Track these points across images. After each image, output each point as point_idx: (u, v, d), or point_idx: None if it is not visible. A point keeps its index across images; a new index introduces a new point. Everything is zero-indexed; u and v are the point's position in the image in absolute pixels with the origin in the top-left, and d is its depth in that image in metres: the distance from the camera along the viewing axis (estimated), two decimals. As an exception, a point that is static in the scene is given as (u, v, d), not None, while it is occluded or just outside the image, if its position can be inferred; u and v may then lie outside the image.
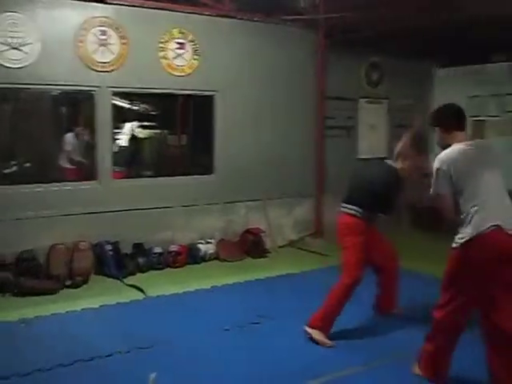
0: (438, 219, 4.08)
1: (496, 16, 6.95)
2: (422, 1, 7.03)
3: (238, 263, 7.49)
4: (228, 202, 7.87)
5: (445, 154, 3.78)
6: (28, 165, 7.40)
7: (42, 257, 6.46)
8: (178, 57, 7.37)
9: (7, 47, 6.26)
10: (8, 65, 6.29)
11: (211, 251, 7.51)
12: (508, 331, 3.54)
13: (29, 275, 6.13)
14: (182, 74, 7.42)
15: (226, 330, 5.04)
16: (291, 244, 8.50)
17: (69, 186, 6.86)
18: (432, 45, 8.84)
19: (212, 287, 6.31)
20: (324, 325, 4.80)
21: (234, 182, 7.87)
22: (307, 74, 8.50)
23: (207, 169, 7.83)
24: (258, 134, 8.08)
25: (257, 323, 5.21)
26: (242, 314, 5.45)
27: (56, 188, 6.74)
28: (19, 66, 6.35)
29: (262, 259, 7.72)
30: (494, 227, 3.52)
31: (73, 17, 6.65)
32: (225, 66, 7.75)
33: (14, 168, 7.02)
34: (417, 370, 4.08)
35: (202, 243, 7.49)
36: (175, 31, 7.33)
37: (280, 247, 8.29)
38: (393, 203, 4.98)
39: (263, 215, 8.19)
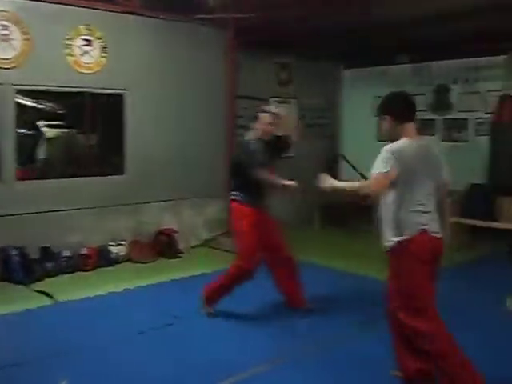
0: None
1: (399, 18, 7.24)
2: (329, 3, 7.19)
3: (151, 264, 7.38)
4: (140, 203, 7.74)
5: (398, 146, 3.60)
6: None
7: None
8: (85, 54, 7.16)
9: None
10: None
11: (123, 253, 7.37)
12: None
13: None
14: (90, 71, 7.22)
15: (141, 332, 4.94)
16: (204, 244, 8.48)
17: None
18: (339, 46, 9.08)
19: (125, 290, 6.19)
20: (213, 298, 5.31)
21: (146, 182, 7.75)
22: (217, 73, 8.49)
23: (118, 169, 7.66)
24: (168, 133, 8.00)
25: (171, 324, 5.16)
26: (156, 315, 5.38)
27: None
28: None
29: (175, 260, 7.65)
30: (422, 230, 3.56)
31: (-31, 10, 6.32)
32: (134, 64, 7.62)
33: None
34: None
35: (113, 245, 7.33)
36: (82, 28, 7.12)
37: (193, 247, 8.26)
38: (251, 173, 5.03)
39: (175, 215, 8.13)
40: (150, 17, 7.72)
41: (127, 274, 6.87)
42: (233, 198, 5.23)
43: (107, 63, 7.35)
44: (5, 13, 6.50)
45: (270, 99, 9.30)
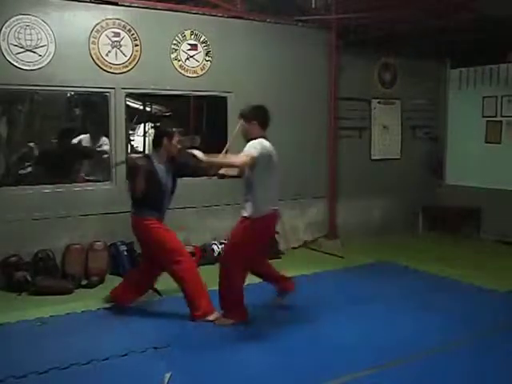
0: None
1: (508, 15, 6.93)
2: (435, 2, 7.01)
3: (251, 264, 7.46)
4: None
5: (264, 143, 5.09)
6: (43, 166, 7.40)
7: (58, 256, 6.52)
8: (190, 58, 7.39)
9: (22, 49, 6.31)
10: (23, 67, 6.34)
11: (224, 252, 7.51)
12: None
13: (45, 275, 6.20)
14: (195, 75, 7.44)
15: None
16: (305, 245, 8.47)
17: (83, 186, 6.90)
18: (445, 45, 8.82)
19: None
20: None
21: (248, 183, 7.83)
22: (320, 74, 8.47)
23: (220, 170, 7.81)
24: (270, 134, 8.02)
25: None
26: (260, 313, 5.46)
27: (77, 188, 6.83)
28: (34, 68, 6.40)
29: (275, 260, 7.67)
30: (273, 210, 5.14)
31: (85, 19, 6.68)
32: (237, 67, 7.76)
33: (29, 169, 7.07)
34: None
35: (215, 244, 7.49)
36: (187, 33, 7.35)
37: (294, 248, 8.28)
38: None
39: (277, 216, 8.17)
40: (253, 20, 7.85)
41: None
42: None
43: (211, 67, 7.54)
44: (117, 21, 6.84)
45: (373, 100, 9.19)
